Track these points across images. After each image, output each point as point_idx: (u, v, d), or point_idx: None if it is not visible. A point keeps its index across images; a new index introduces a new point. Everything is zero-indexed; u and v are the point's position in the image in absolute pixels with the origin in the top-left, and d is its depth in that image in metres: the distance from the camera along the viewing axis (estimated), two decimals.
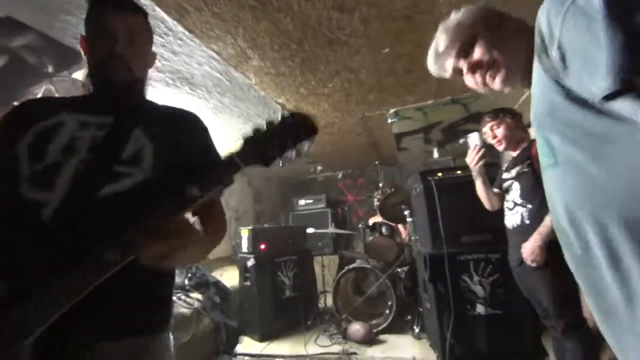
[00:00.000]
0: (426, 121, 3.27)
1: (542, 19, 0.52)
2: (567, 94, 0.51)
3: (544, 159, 0.59)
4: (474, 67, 0.72)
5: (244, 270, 3.05)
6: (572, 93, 0.50)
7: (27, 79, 1.97)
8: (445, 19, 0.79)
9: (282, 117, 0.67)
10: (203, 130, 0.92)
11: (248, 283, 2.99)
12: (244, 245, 3.12)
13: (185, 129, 0.89)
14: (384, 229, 3.31)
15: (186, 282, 2.91)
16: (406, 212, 2.92)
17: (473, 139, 1.70)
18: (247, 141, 0.66)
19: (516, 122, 1.67)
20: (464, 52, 0.74)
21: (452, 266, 2.09)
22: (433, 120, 3.27)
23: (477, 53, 0.71)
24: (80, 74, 1.97)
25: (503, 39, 0.70)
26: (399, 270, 3.12)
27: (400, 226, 3.53)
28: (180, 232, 0.64)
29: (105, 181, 0.72)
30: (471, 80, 0.76)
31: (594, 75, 0.43)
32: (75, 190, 0.70)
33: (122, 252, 0.61)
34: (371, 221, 3.63)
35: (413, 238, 2.82)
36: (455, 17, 0.76)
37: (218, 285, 3.05)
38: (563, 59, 0.49)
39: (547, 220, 1.40)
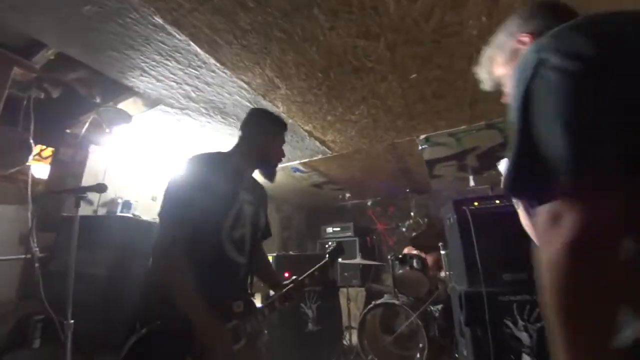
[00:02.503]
0: (460, 147, 3.13)
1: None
2: None
3: None
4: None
5: (266, 298, 2.97)
6: None
7: (78, 108, 2.17)
8: (476, 40, 0.82)
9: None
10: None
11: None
12: None
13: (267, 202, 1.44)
14: (414, 262, 3.10)
15: None
16: (440, 244, 2.72)
17: (504, 164, 1.59)
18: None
19: None
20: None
21: (493, 308, 1.86)
22: (468, 146, 3.11)
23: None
24: (124, 105, 2.14)
25: None
26: (432, 308, 2.86)
27: (429, 256, 3.29)
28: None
29: (256, 248, 1.28)
30: None
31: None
32: (250, 255, 1.19)
33: (283, 302, 1.26)
34: (405, 251, 3.43)
35: (447, 273, 2.60)
36: (499, 38, 0.79)
37: None
38: None
39: None
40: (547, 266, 0.39)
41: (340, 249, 1.52)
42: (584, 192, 0.37)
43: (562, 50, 0.44)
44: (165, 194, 1.04)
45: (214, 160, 1.15)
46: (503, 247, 1.93)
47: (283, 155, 1.34)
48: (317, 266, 1.40)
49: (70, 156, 2.38)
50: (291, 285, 1.30)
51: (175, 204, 1.02)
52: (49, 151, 2.49)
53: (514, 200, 1.59)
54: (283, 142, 1.35)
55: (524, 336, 1.83)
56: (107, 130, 2.16)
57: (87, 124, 2.23)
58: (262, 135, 1.27)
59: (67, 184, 2.33)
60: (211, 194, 1.04)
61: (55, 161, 2.37)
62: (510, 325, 1.85)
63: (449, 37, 1.57)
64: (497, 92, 2.38)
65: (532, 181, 0.44)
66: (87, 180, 2.37)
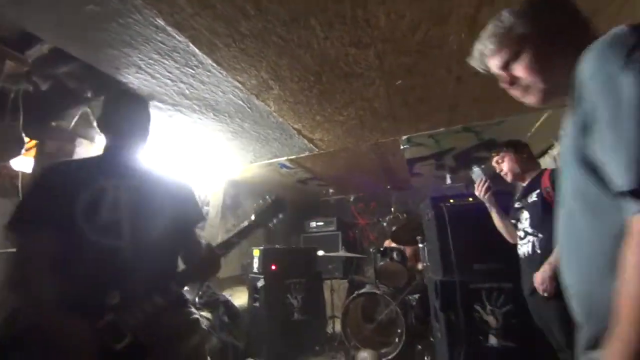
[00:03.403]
0: (438, 148, 3.34)
1: (582, 72, 0.53)
2: (584, 156, 0.53)
3: (558, 194, 0.65)
4: (512, 82, 0.72)
5: (253, 290, 3.07)
6: (590, 158, 0.52)
7: (67, 102, 2.15)
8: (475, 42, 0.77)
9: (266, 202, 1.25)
10: (187, 187, 1.38)
11: (257, 304, 3.00)
12: (255, 265, 3.16)
13: (181, 188, 1.33)
14: (395, 254, 3.30)
15: (196, 299, 2.95)
16: (418, 238, 2.92)
17: (477, 173, 1.80)
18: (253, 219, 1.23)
19: (520, 155, 1.73)
20: (507, 63, 0.72)
21: (464, 295, 2.07)
22: (445, 147, 3.33)
23: (517, 71, 0.70)
24: None
25: (550, 58, 0.67)
26: (410, 297, 3.08)
27: (408, 248, 3.50)
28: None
29: (147, 234, 1.10)
30: (509, 88, 0.75)
31: (619, 166, 0.45)
32: (134, 240, 1.07)
33: (181, 286, 1.09)
34: (385, 245, 3.62)
35: (425, 264, 2.81)
36: (509, 19, 0.72)
37: (228, 304, 3.07)
38: (585, 126, 0.52)
39: (557, 251, 1.41)
40: None
41: (275, 208, 1.27)
42: None
43: None
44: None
45: (62, 163, 1.20)
46: (474, 240, 2.14)
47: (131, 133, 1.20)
48: (232, 233, 1.18)
49: (57, 149, 2.35)
50: (193, 266, 1.14)
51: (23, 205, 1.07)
52: (31, 144, 2.44)
53: (487, 204, 1.80)
54: (120, 114, 1.19)
55: (490, 319, 2.05)
56: None
57: (76, 118, 2.22)
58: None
59: None
60: (54, 186, 1.04)
61: (40, 154, 2.33)
62: (479, 309, 2.07)
63: (432, 49, 1.72)
64: (474, 98, 2.60)
65: None
66: None
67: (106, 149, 1.23)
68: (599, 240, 0.52)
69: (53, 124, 2.34)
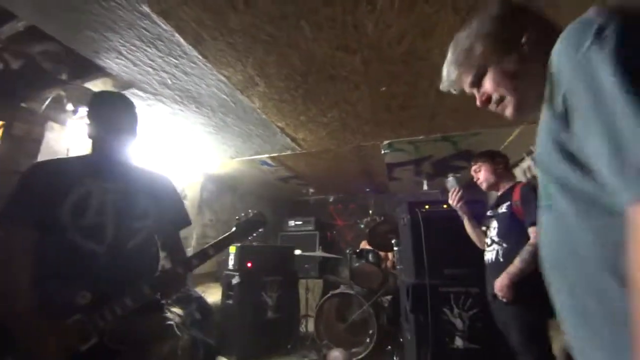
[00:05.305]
0: (417, 154, 3.43)
1: (554, 58, 0.50)
2: (567, 151, 0.49)
3: (542, 199, 0.59)
4: (485, 101, 0.71)
5: (227, 287, 3.04)
6: (573, 152, 0.48)
7: (39, 82, 2.04)
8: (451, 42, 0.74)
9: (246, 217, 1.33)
10: (175, 189, 1.41)
11: (230, 301, 2.96)
12: (230, 262, 3.12)
13: (168, 190, 1.36)
14: (370, 256, 3.36)
15: None
16: (393, 241, 2.99)
17: (451, 182, 1.88)
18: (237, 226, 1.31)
19: (496, 165, 1.81)
20: (475, 83, 0.72)
21: (434, 298, 2.14)
22: (424, 154, 3.43)
23: (486, 87, 0.69)
24: (92, 85, 2.07)
25: (516, 68, 0.64)
26: (383, 299, 3.14)
27: (382, 251, 3.56)
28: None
29: (129, 237, 1.14)
30: (486, 107, 0.74)
31: (618, 174, 0.39)
32: (115, 244, 1.09)
33: (153, 289, 1.07)
34: (361, 247, 3.68)
35: (398, 267, 2.88)
36: (465, 39, 0.71)
37: (200, 301, 3.01)
38: (566, 115, 0.47)
39: (517, 261, 1.51)
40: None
41: (257, 222, 1.32)
42: None
43: None
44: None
45: (51, 161, 1.19)
46: (446, 245, 2.23)
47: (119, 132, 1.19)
48: (209, 244, 1.22)
49: (25, 132, 2.23)
50: (165, 274, 1.13)
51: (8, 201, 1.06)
52: None
53: (459, 212, 1.88)
54: (107, 119, 1.18)
55: (457, 322, 2.14)
56: (72, 109, 2.06)
57: (48, 100, 2.11)
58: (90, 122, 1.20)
59: (20, 162, 2.18)
60: (41, 185, 1.05)
61: (7, 136, 2.20)
62: (447, 312, 2.15)
63: (417, 60, 1.77)
64: (453, 109, 2.68)
65: None
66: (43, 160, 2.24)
67: (94, 148, 1.21)
68: (598, 243, 0.46)
69: (23, 105, 2.22)
